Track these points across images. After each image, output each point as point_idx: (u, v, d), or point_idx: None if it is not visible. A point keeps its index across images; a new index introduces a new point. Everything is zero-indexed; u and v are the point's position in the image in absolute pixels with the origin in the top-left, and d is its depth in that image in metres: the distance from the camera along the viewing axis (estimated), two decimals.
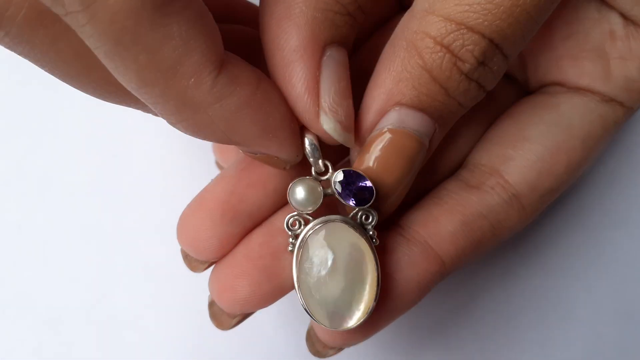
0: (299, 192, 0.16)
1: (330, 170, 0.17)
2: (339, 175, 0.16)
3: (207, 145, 0.25)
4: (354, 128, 0.16)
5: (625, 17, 0.18)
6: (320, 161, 0.16)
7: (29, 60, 0.14)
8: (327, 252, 0.16)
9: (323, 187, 0.16)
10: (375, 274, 0.16)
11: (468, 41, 0.15)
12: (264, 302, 0.17)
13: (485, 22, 0.15)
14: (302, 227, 0.16)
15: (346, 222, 0.16)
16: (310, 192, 0.16)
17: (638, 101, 0.19)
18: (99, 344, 0.25)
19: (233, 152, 0.20)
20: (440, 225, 0.17)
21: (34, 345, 0.25)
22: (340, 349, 0.18)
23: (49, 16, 0.13)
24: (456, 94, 0.15)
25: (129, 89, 0.14)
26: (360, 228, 0.16)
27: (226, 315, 0.19)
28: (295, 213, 0.16)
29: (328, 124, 0.15)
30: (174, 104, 0.14)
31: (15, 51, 0.14)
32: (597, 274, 0.26)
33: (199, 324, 0.25)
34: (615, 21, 0.18)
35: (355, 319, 0.16)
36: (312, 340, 0.18)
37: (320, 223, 0.16)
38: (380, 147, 0.16)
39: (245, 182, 0.17)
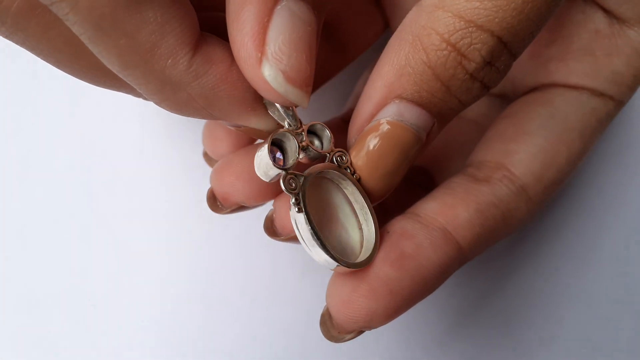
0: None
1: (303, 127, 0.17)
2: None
3: (187, 135, 0.26)
4: (307, 85, 0.15)
5: (609, 15, 0.19)
6: (291, 118, 0.17)
7: (26, 48, 0.15)
8: (322, 203, 0.17)
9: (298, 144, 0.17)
10: (367, 209, 0.16)
11: (476, 40, 0.15)
12: None
13: (496, 19, 0.14)
14: (297, 185, 0.16)
15: (321, 174, 0.17)
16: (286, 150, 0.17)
17: (627, 94, 0.19)
18: (77, 329, 0.25)
19: (224, 142, 0.20)
20: (457, 212, 0.18)
21: (12, 329, 0.25)
22: (359, 333, 0.17)
23: (40, 6, 0.14)
24: (458, 92, 0.16)
25: (114, 71, 0.15)
26: (337, 169, 0.17)
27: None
28: (287, 173, 0.16)
29: (268, 71, 0.15)
30: (155, 85, 0.15)
31: (12, 40, 0.15)
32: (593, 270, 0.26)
33: (178, 308, 0.25)
34: (600, 20, 0.19)
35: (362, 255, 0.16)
36: (327, 325, 0.18)
37: (310, 178, 0.16)
38: (376, 137, 0.16)
39: None
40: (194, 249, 0.25)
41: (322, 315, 0.18)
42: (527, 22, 0.15)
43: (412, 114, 0.16)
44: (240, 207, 0.19)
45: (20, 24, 0.14)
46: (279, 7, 0.15)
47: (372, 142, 0.16)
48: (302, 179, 0.16)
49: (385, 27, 0.23)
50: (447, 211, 0.18)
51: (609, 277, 0.26)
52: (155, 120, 0.26)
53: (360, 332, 0.17)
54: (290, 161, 0.16)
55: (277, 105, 0.16)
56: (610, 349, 0.25)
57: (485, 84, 0.16)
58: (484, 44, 0.15)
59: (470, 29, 0.15)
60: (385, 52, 0.16)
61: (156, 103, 0.16)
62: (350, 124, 0.17)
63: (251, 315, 0.25)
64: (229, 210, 0.19)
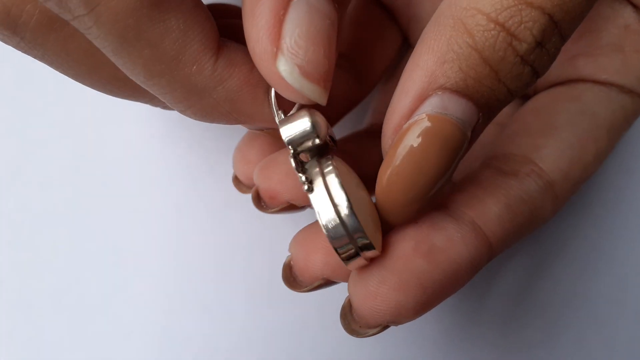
0: (319, 118, 0.16)
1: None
2: None
3: (186, 135, 0.26)
4: (324, 81, 0.15)
5: (639, 10, 0.18)
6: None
7: (45, 62, 0.15)
8: (352, 173, 0.16)
9: None
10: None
11: (527, 17, 0.13)
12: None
13: None
14: (305, 165, 0.16)
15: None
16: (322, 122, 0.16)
17: None
18: (71, 329, 0.25)
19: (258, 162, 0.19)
20: (486, 207, 0.17)
21: (6, 330, 0.25)
22: (384, 328, 0.16)
23: (59, 21, 0.14)
24: (507, 78, 0.14)
25: (138, 82, 0.15)
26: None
27: (299, 283, 0.17)
28: (294, 153, 0.16)
29: (284, 66, 0.14)
30: (180, 92, 0.15)
31: (31, 55, 0.15)
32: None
33: (173, 309, 0.25)
34: (630, 15, 0.18)
35: (379, 236, 0.15)
36: (348, 319, 0.16)
37: (328, 157, 0.16)
38: (417, 135, 0.14)
39: None
40: (192, 250, 0.25)
41: (343, 307, 0.17)
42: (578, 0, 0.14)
43: (457, 106, 0.14)
44: (290, 207, 0.18)
45: (38, 39, 0.15)
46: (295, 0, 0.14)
47: (413, 142, 0.14)
48: (317, 159, 0.15)
49: (402, 43, 0.22)
50: (476, 205, 0.17)
51: (609, 278, 0.25)
52: (153, 120, 0.26)
53: (386, 327, 0.16)
54: (318, 136, 0.15)
55: (271, 101, 0.16)
56: (610, 352, 0.25)
57: (535, 68, 0.14)
58: (535, 22, 0.13)
59: (519, 6, 0.13)
60: (422, 42, 0.14)
61: (181, 111, 0.16)
62: (384, 124, 0.15)
63: (249, 317, 0.25)
64: (276, 209, 0.18)
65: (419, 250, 0.15)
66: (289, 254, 0.17)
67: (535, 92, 0.20)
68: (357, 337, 0.16)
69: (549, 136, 0.18)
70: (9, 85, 0.27)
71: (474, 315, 0.25)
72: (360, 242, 0.15)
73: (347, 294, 0.16)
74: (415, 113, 0.14)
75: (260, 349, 0.25)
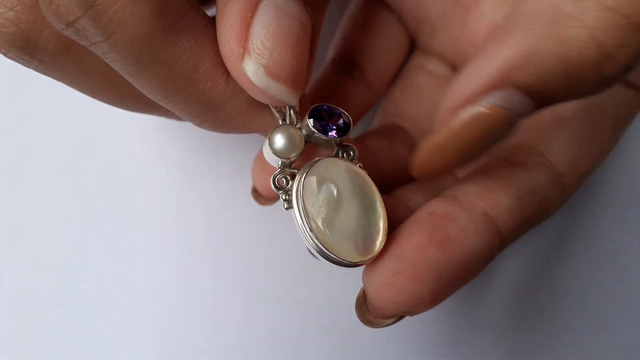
0: (279, 139, 0.16)
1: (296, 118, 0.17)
2: (310, 119, 0.16)
3: (182, 135, 0.26)
4: (292, 81, 0.15)
5: None
6: (291, 111, 0.16)
7: (63, 82, 0.16)
8: (330, 185, 0.16)
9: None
10: (379, 195, 0.16)
11: (630, 40, 0.13)
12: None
13: None
14: (289, 182, 0.16)
15: (334, 156, 0.17)
16: (290, 137, 0.16)
17: None
18: (70, 329, 0.25)
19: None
20: (498, 197, 0.17)
21: (3, 330, 0.25)
22: (399, 318, 0.16)
23: (75, 44, 0.15)
24: (579, 91, 0.14)
25: (155, 100, 0.15)
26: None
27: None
28: (279, 171, 0.16)
29: (249, 66, 0.14)
30: (196, 108, 0.15)
31: (50, 76, 0.16)
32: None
33: (171, 309, 0.25)
34: None
35: (377, 243, 0.16)
36: (363, 310, 0.16)
37: (309, 166, 0.16)
38: (472, 121, 0.14)
39: None
40: (191, 251, 0.26)
41: (358, 298, 0.17)
42: None
43: (519, 103, 0.14)
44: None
45: (57, 62, 0.15)
46: (264, 2, 0.14)
47: (468, 126, 0.14)
48: (299, 173, 0.16)
49: (409, 45, 0.22)
50: (487, 196, 0.17)
51: (610, 280, 0.26)
52: (153, 120, 0.26)
53: (401, 317, 0.16)
54: (288, 158, 0.16)
55: (270, 106, 0.16)
56: (609, 352, 0.25)
57: (610, 85, 0.14)
58: (636, 46, 0.13)
59: (627, 27, 0.13)
60: (509, 29, 0.14)
61: (197, 124, 0.17)
62: (445, 99, 0.15)
63: (248, 318, 0.25)
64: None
65: (434, 241, 0.16)
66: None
67: None
68: (372, 327, 0.17)
69: (557, 129, 0.18)
70: (8, 85, 0.27)
71: (473, 318, 0.25)
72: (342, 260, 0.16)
73: (358, 286, 0.17)
74: (480, 101, 0.14)
75: (259, 350, 0.25)
